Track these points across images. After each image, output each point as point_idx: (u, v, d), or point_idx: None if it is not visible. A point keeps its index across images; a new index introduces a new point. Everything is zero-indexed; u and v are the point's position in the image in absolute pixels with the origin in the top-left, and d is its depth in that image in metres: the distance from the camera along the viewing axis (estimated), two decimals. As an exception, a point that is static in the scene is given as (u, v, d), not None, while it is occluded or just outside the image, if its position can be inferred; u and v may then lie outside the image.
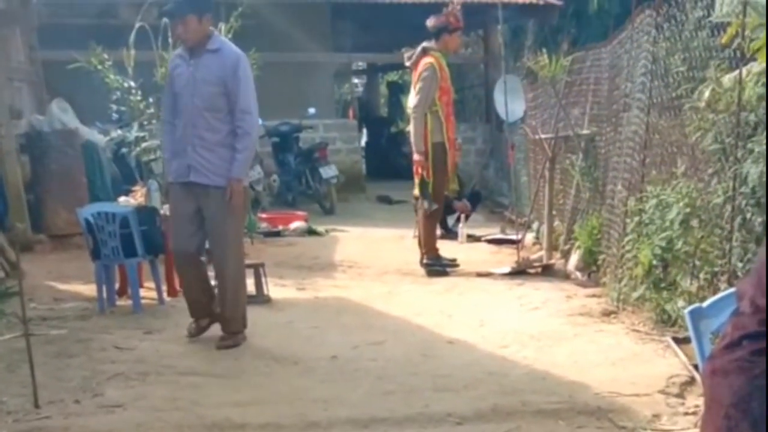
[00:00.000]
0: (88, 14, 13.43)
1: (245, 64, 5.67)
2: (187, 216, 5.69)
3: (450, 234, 10.33)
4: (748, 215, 4.95)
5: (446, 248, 8.71)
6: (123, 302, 6.90)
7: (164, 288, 7.00)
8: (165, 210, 6.95)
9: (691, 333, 2.81)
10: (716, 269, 5.25)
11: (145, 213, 7.02)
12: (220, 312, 5.78)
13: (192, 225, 5.70)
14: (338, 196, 13.12)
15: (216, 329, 5.82)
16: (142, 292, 6.88)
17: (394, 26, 15.85)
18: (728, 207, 5.08)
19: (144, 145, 9.64)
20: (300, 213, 11.79)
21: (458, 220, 10.58)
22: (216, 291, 5.85)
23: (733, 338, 2.05)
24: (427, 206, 8.23)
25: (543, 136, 8.95)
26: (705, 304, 2.83)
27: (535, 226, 9.86)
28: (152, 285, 6.97)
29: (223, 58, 5.59)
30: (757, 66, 4.88)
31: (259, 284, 7.10)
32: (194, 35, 5.59)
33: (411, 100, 8.35)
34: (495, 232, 10.46)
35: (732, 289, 2.70)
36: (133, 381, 5.01)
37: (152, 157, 9.62)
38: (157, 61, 8.68)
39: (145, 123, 9.58)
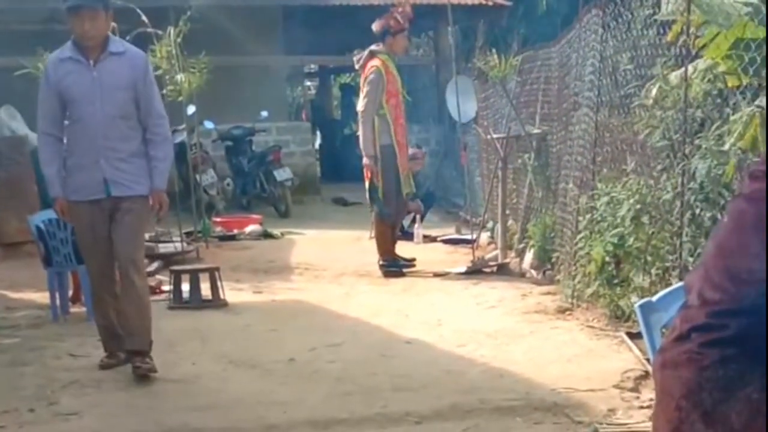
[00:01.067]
0: (35, 20, 13.25)
1: (150, 65, 5.40)
2: (104, 238, 5.13)
3: (405, 235, 10.34)
4: (697, 210, 5.03)
5: (402, 249, 8.73)
6: (76, 309, 6.82)
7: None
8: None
9: (641, 327, 2.86)
10: (667, 264, 5.33)
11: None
12: (125, 330, 5.22)
13: (108, 246, 5.13)
14: (293, 199, 13.08)
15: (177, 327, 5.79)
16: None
17: (346, 29, 15.83)
18: (677, 203, 5.16)
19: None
20: (255, 216, 11.75)
21: (413, 220, 10.62)
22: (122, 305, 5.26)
23: (682, 331, 2.09)
24: (378, 210, 8.28)
25: (495, 136, 9.01)
26: (655, 298, 2.88)
27: (489, 225, 9.92)
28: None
29: (131, 60, 5.13)
30: (703, 63, 4.96)
31: (214, 288, 7.07)
32: (100, 33, 5.04)
33: (359, 104, 8.39)
34: (450, 233, 10.51)
35: (681, 283, 2.76)
36: (88, 388, 4.97)
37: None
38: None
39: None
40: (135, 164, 5.10)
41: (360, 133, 8.26)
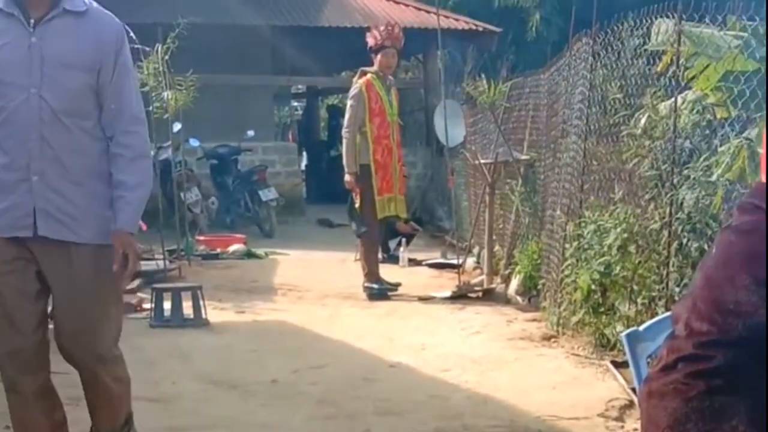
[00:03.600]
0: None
1: (127, 41, 3.37)
2: (29, 302, 3.28)
3: (391, 258, 10.33)
4: (685, 241, 5.04)
5: (388, 272, 8.70)
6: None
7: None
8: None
9: (628, 356, 2.84)
10: (654, 294, 5.32)
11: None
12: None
13: (36, 318, 3.31)
14: (278, 219, 13.05)
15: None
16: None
17: (334, 50, 15.88)
18: (665, 232, 5.16)
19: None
20: (239, 236, 11.70)
21: (399, 244, 10.60)
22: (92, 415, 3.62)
23: (668, 361, 2.07)
24: (355, 228, 8.32)
25: (483, 161, 9.01)
26: (642, 327, 2.86)
27: (475, 250, 9.91)
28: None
29: (95, 26, 3.25)
30: (692, 94, 4.99)
31: (196, 307, 7.02)
32: None
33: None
34: (436, 257, 10.48)
35: (668, 313, 2.75)
36: (66, 406, 4.83)
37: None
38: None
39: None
40: (89, 190, 3.26)
41: (343, 150, 8.29)
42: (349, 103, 8.32)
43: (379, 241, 8.98)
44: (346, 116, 8.30)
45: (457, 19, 15.03)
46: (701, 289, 2.07)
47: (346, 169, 8.19)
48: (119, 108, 3.27)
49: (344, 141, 8.25)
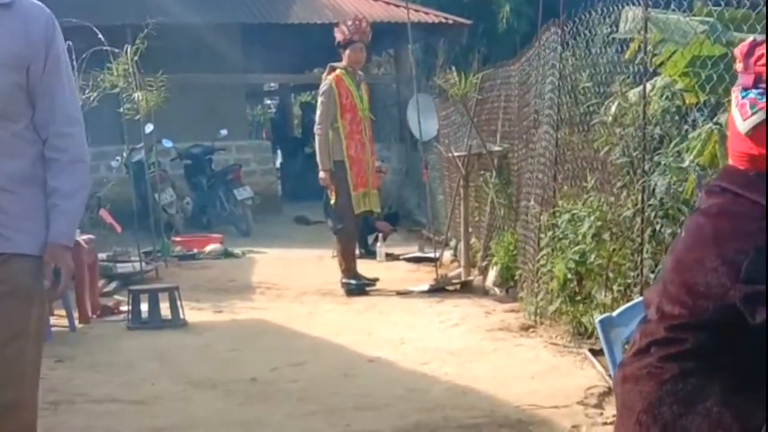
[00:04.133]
0: None
1: (60, 33, 2.95)
2: None
3: (368, 253, 10.34)
4: (658, 227, 5.06)
5: (365, 267, 8.71)
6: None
7: (75, 314, 6.84)
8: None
9: (602, 342, 2.85)
10: (629, 281, 5.35)
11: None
12: None
13: None
14: (254, 218, 13.02)
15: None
16: (52, 319, 6.68)
17: (305, 47, 15.84)
18: (638, 219, 5.19)
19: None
20: (215, 235, 11.67)
21: (376, 239, 10.61)
22: None
23: (641, 345, 2.09)
24: (332, 225, 8.34)
25: (456, 154, 9.03)
26: (615, 313, 2.88)
27: (452, 243, 9.93)
28: (62, 311, 6.80)
29: (22, 18, 2.86)
30: (661, 80, 5.01)
31: (174, 308, 6.99)
32: None
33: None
34: (413, 251, 10.49)
35: (641, 298, 2.76)
36: (44, 411, 4.83)
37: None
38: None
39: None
40: (23, 199, 2.87)
41: (316, 147, 8.28)
42: (319, 99, 8.31)
43: (357, 236, 8.97)
44: (318, 113, 8.29)
45: (427, 13, 15.03)
46: (671, 272, 2.09)
47: (320, 166, 8.18)
48: (51, 107, 2.90)
49: (317, 138, 8.23)
